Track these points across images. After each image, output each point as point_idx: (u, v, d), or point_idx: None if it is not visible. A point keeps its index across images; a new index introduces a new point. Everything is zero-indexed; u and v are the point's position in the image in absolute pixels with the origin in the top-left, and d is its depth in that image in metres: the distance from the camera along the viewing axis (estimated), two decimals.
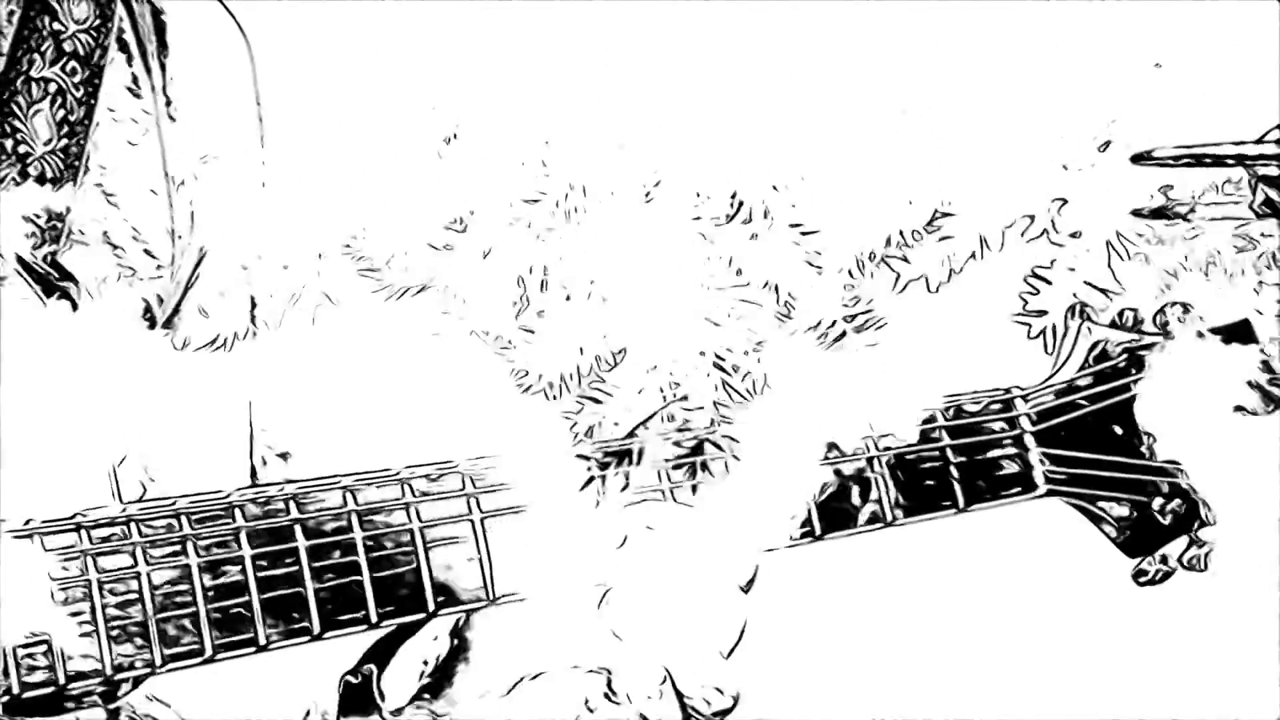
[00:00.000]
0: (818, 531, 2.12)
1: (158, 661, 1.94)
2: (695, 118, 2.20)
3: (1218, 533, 2.13)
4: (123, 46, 2.01)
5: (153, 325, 2.02)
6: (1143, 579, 2.16)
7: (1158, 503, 2.15)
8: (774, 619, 2.12)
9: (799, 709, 2.12)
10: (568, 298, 2.09)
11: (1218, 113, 2.16)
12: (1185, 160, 2.15)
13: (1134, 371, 2.16)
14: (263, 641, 1.93)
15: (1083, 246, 2.18)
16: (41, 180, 1.95)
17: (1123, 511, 2.16)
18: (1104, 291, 2.17)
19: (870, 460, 2.12)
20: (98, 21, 2.00)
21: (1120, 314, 2.17)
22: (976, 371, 2.17)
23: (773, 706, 2.11)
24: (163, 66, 2.01)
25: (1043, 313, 2.17)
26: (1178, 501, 2.15)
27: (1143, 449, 2.15)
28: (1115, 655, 2.15)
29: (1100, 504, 2.16)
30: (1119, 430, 2.16)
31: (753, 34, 2.22)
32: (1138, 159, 2.16)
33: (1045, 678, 2.15)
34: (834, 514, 2.12)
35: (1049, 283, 2.17)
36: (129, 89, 2.01)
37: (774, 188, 2.18)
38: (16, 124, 1.94)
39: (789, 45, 2.23)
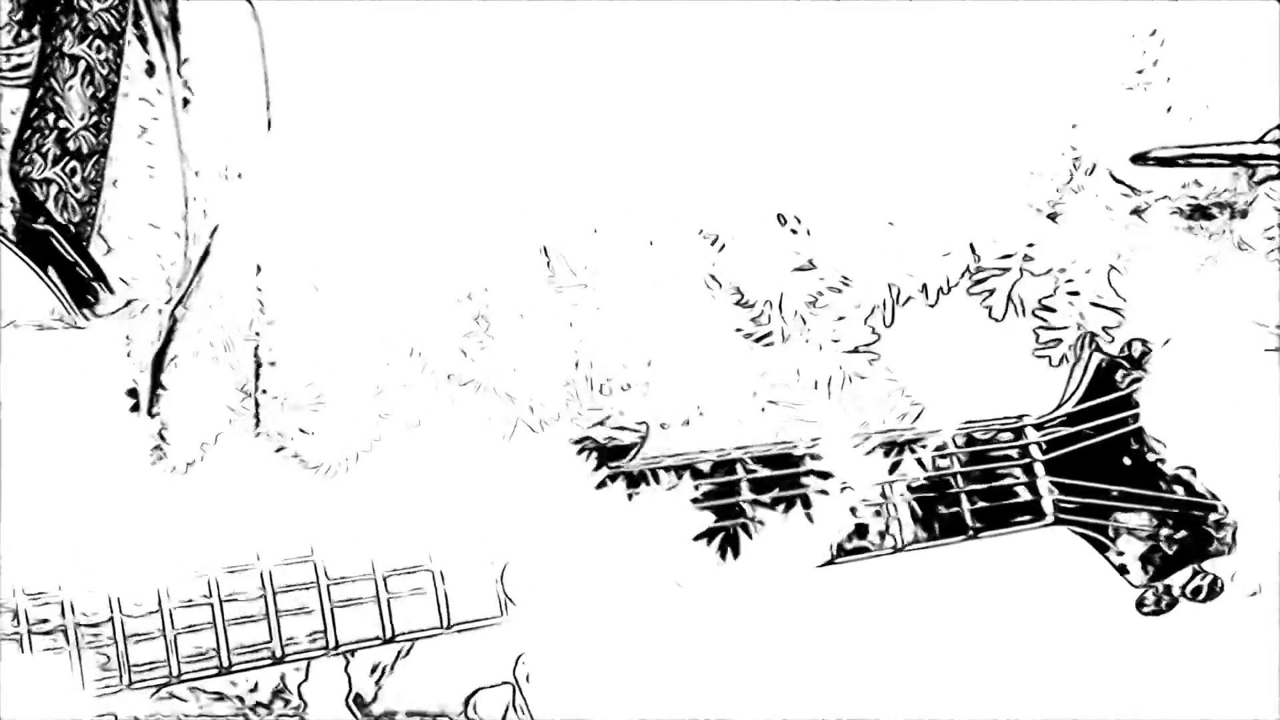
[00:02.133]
0: (829, 556, 2.09)
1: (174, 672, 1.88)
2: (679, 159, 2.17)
3: (1226, 563, 2.14)
4: (139, 29, 1.96)
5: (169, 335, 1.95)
6: (1145, 609, 2.15)
7: (1164, 533, 2.15)
8: (786, 641, 2.09)
9: None
10: (626, 387, 2.06)
11: (1218, 113, 2.17)
12: (1185, 160, 2.15)
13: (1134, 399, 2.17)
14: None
15: (1084, 262, 2.18)
16: (79, 155, 1.91)
17: (1133, 542, 2.16)
18: (1113, 310, 2.17)
19: (882, 488, 2.10)
20: (119, 2, 1.95)
21: (1129, 344, 2.17)
22: (988, 400, 2.16)
23: None
24: (178, 46, 1.96)
25: (1057, 340, 2.16)
26: (1184, 533, 2.15)
27: (1156, 463, 2.14)
28: (1116, 656, 2.15)
29: (1108, 534, 2.15)
30: (1128, 460, 2.16)
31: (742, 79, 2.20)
32: (1137, 159, 2.16)
33: (1045, 683, 2.14)
34: (845, 540, 2.09)
35: (1052, 309, 2.17)
36: (145, 71, 1.96)
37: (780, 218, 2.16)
38: (57, 99, 1.90)
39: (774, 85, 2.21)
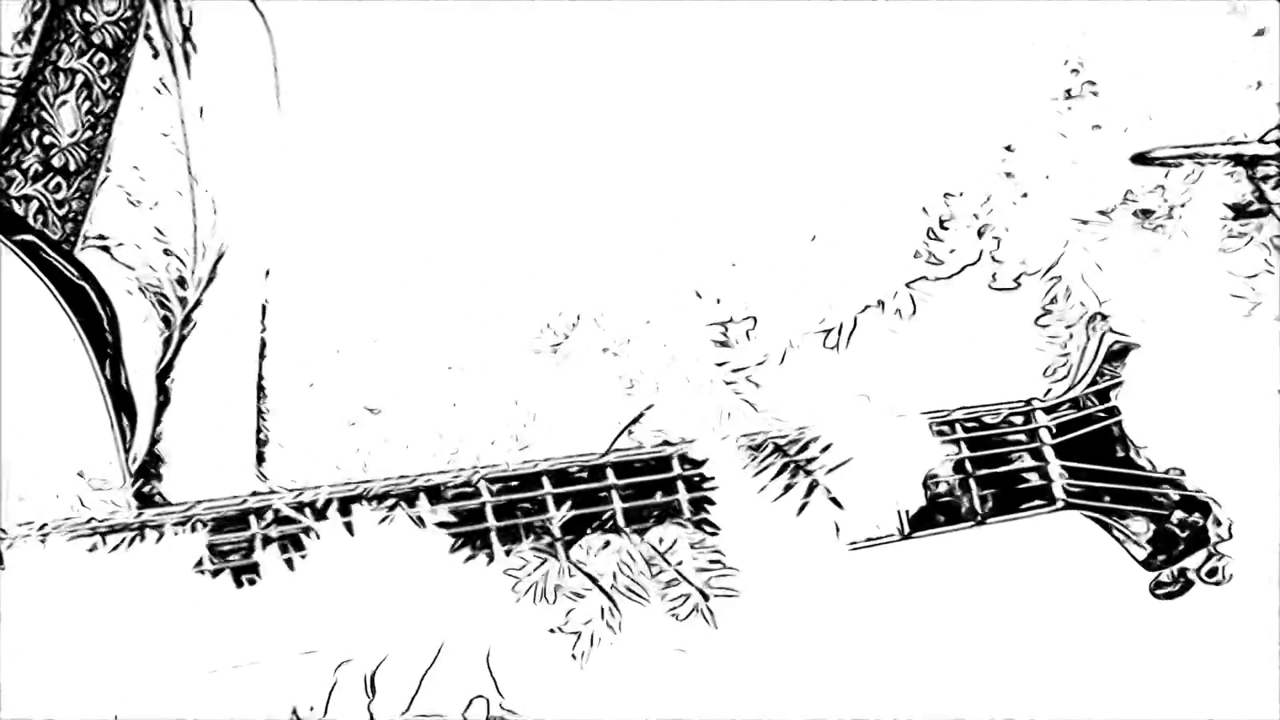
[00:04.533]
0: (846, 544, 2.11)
1: None
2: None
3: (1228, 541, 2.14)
4: (150, 42, 1.99)
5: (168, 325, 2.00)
6: (1160, 591, 2.16)
7: (1176, 516, 2.15)
8: (792, 629, 2.11)
9: (816, 717, 2.11)
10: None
11: (1218, 113, 2.16)
12: (1186, 160, 2.15)
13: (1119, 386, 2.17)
14: None
15: (1089, 255, 2.18)
16: (65, 172, 1.93)
17: (1141, 526, 2.16)
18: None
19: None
20: (128, 14, 1.98)
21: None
22: (996, 383, 2.17)
23: (788, 714, 2.10)
24: (188, 62, 1.99)
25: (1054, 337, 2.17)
26: (1196, 515, 2.15)
27: (1140, 460, 2.14)
28: (1115, 654, 2.15)
29: (1118, 518, 2.16)
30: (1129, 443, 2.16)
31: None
32: (1137, 159, 2.16)
33: (1049, 680, 2.14)
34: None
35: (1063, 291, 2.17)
36: (156, 88, 1.99)
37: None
38: (44, 115, 1.92)
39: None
